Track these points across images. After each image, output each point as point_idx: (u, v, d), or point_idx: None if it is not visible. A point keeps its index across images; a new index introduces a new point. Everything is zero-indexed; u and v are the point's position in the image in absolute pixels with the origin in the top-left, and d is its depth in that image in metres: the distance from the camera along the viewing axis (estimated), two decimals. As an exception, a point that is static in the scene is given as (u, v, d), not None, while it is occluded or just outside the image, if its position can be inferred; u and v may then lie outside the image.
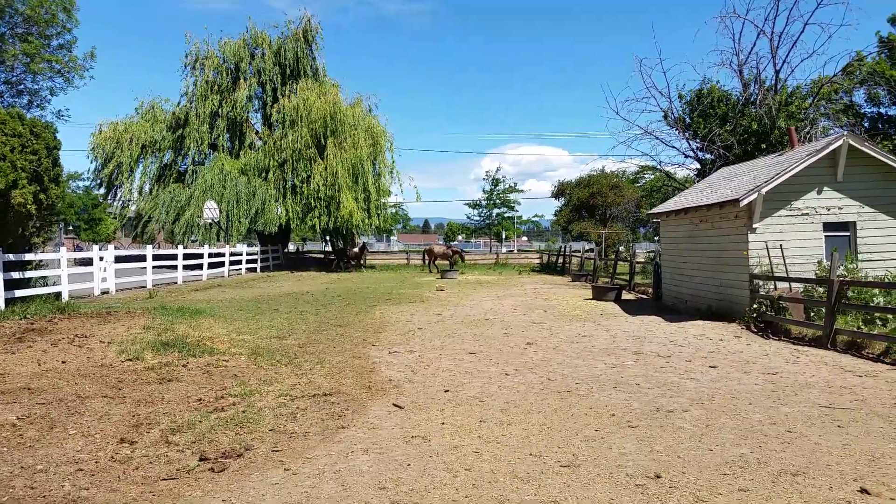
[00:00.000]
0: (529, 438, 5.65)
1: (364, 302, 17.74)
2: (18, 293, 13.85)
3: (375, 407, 6.74)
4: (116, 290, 19.54)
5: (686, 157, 27.74)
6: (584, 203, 43.91)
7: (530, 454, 5.22)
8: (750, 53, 24.86)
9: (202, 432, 5.71)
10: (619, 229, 43.15)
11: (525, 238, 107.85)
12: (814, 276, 12.30)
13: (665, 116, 26.89)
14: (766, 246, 12.93)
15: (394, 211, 55.20)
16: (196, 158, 35.81)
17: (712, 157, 25.20)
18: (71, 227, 74.77)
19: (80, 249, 51.41)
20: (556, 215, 55.21)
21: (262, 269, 33.83)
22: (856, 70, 26.07)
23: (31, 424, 5.90)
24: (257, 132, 37.99)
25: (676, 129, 26.82)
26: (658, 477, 4.70)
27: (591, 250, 31.83)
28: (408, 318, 14.36)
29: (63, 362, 8.53)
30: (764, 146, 22.87)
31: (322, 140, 33.64)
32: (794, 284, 12.32)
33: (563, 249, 38.89)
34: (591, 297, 19.31)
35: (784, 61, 23.82)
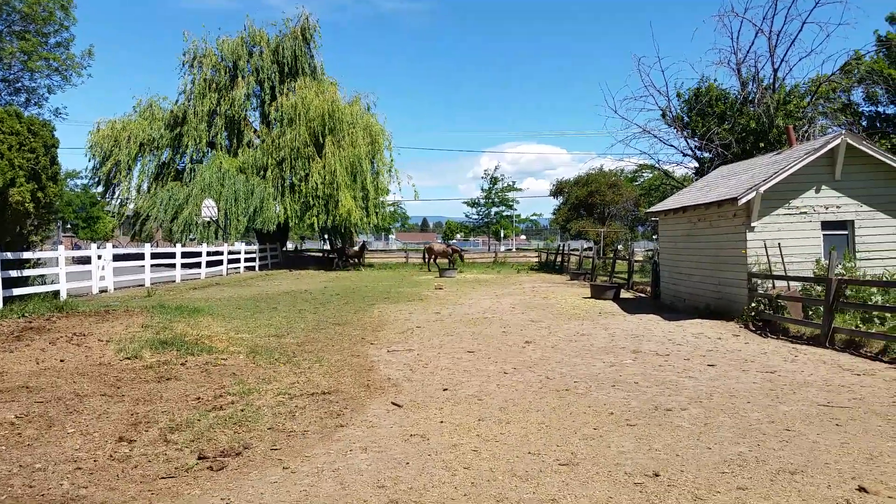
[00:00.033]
0: (528, 437, 5.65)
1: (363, 300, 17.73)
2: (17, 291, 13.83)
3: (374, 405, 6.74)
4: (115, 289, 19.52)
5: (684, 155, 27.79)
6: (583, 202, 43.92)
7: (529, 453, 5.23)
8: (748, 52, 24.90)
9: (201, 431, 5.71)
10: (617, 228, 43.18)
11: (523, 237, 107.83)
12: (812, 275, 12.32)
13: (663, 115, 26.92)
14: (765, 244, 12.95)
15: (392, 209, 55.13)
16: (194, 157, 35.75)
17: (710, 155, 25.22)
18: (69, 226, 74.64)
19: (79, 248, 51.31)
20: (554, 214, 55.19)
21: (261, 267, 33.80)
22: (854, 69, 26.10)
23: (29, 423, 5.89)
24: (255, 130, 37.95)
25: (675, 128, 26.84)
26: (657, 475, 4.70)
27: (590, 249, 31.86)
28: (406, 316, 14.36)
29: (61, 361, 8.52)
30: (762, 145, 22.89)
31: (320, 138, 33.61)
32: (792, 283, 12.34)
33: (561, 248, 38.92)
34: (589, 295, 19.32)
35: (782, 60, 23.87)
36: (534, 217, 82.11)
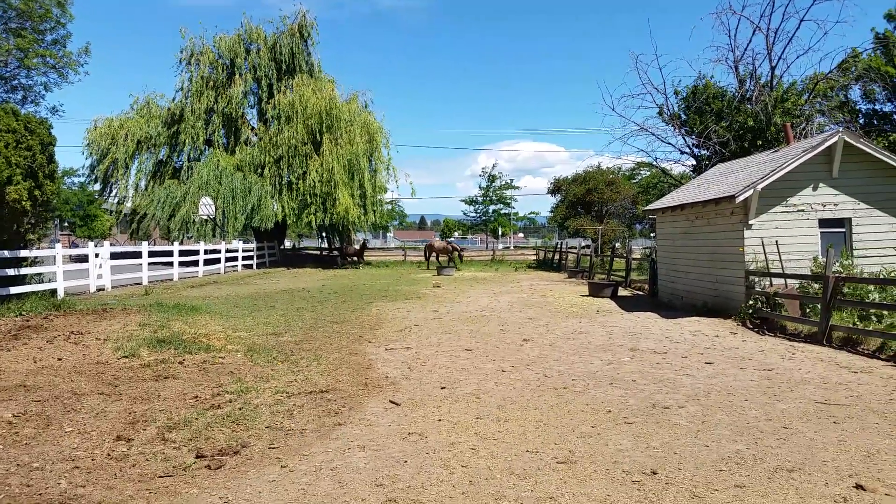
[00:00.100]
0: (526, 435, 5.65)
1: (360, 298, 17.73)
2: (14, 290, 13.79)
3: (372, 404, 6.74)
4: (112, 287, 19.48)
5: (682, 153, 27.80)
6: (581, 199, 43.99)
7: (527, 451, 5.23)
8: (746, 50, 24.90)
9: (198, 429, 5.71)
10: (615, 226, 43.23)
11: (521, 234, 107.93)
12: (809, 273, 12.34)
13: (660, 112, 26.92)
14: (762, 242, 12.97)
15: (390, 207, 55.09)
16: (191, 154, 35.65)
17: (708, 153, 25.24)
18: (66, 224, 74.51)
19: (76, 246, 51.21)
20: (552, 212, 55.28)
21: (259, 265, 33.75)
22: (851, 66, 26.10)
23: (27, 422, 5.88)
24: (253, 128, 37.89)
25: (672, 126, 26.86)
26: (654, 473, 4.71)
27: (588, 247, 31.85)
28: (404, 314, 14.36)
29: (59, 359, 8.51)
30: (760, 142, 22.91)
31: (318, 136, 33.55)
32: (789, 281, 12.36)
33: (559, 246, 38.95)
34: (587, 293, 19.34)
35: (780, 58, 23.88)
36: (531, 215, 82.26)
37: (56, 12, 35.59)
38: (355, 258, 38.11)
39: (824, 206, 13.41)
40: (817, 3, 22.89)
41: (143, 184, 35.66)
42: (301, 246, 55.02)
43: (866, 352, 9.37)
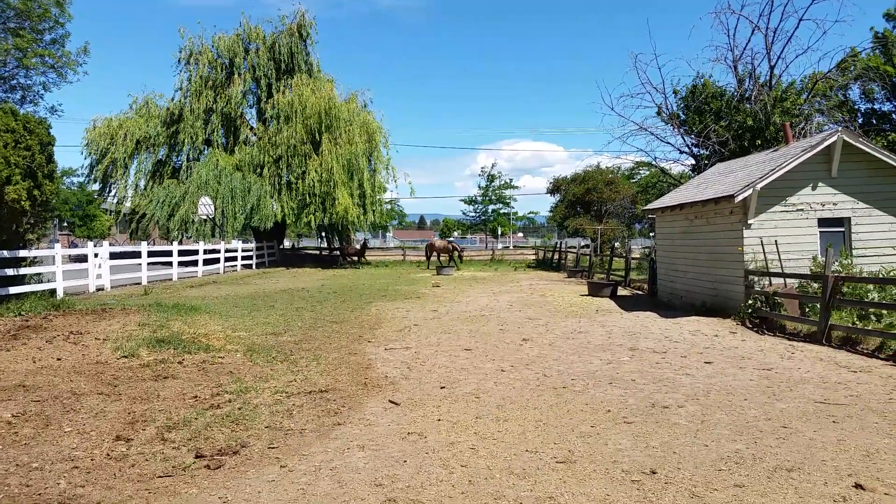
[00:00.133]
0: (525, 434, 5.66)
1: (360, 298, 17.73)
2: (13, 290, 13.78)
3: (371, 403, 6.74)
4: (111, 287, 19.47)
5: (681, 152, 27.79)
6: (580, 199, 43.98)
7: (526, 450, 5.23)
8: (745, 49, 24.90)
9: (198, 429, 5.70)
10: (614, 225, 43.24)
11: (521, 234, 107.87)
12: (808, 272, 12.35)
13: (659, 112, 26.93)
14: (761, 242, 12.97)
15: (389, 207, 55.07)
16: (190, 154, 35.63)
17: (707, 152, 25.24)
18: (65, 224, 74.46)
19: (75, 246, 51.21)
20: (551, 211, 55.25)
21: (258, 265, 33.73)
22: (850, 66, 26.12)
23: (26, 422, 5.87)
24: (252, 128, 37.86)
25: (671, 125, 26.86)
26: (654, 473, 4.71)
27: (587, 246, 31.86)
28: (404, 314, 14.36)
29: (58, 359, 8.50)
30: (759, 142, 22.91)
31: (317, 136, 33.52)
32: (788, 280, 12.36)
33: (558, 245, 38.96)
34: (586, 293, 19.35)
35: (779, 57, 23.88)
36: (531, 215, 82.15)
37: (55, 12, 35.55)
38: (356, 258, 38.13)
39: (823, 205, 13.41)
40: (816, 3, 22.94)
41: (142, 183, 35.63)
42: (300, 246, 54.96)
43: (865, 351, 9.38)
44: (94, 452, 5.15)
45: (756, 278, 12.81)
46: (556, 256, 37.15)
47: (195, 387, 7.25)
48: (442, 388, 7.44)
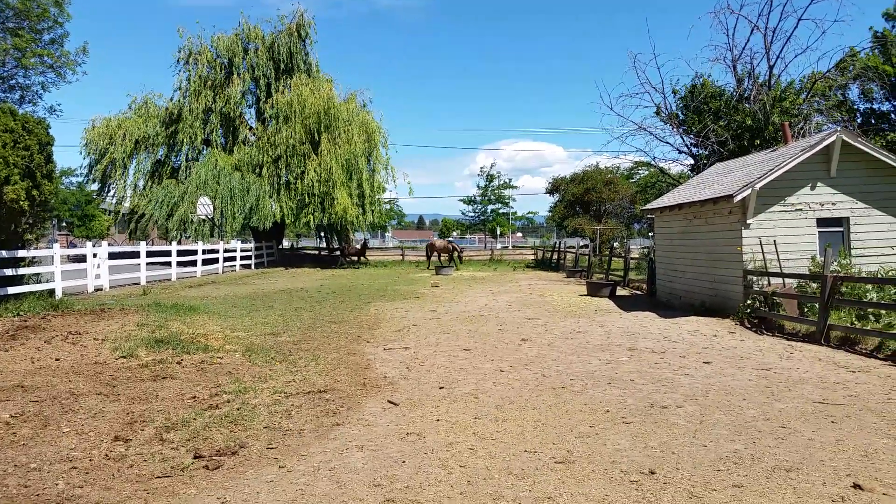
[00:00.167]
0: (524, 435, 5.66)
1: (359, 298, 17.73)
2: (11, 290, 13.77)
3: (370, 404, 6.74)
4: (110, 287, 19.46)
5: (680, 152, 27.81)
6: (579, 199, 43.98)
7: (525, 450, 5.23)
8: (744, 49, 24.94)
9: (196, 430, 5.70)
10: (613, 225, 43.25)
11: (520, 234, 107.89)
12: (807, 272, 12.36)
13: (658, 112, 26.94)
14: (760, 241, 12.98)
15: (388, 207, 55.05)
16: (189, 154, 35.60)
17: (706, 152, 25.25)
18: (64, 224, 74.38)
19: (74, 246, 51.21)
20: (550, 211, 55.27)
21: (257, 265, 33.71)
22: (849, 66, 26.16)
23: (24, 422, 5.87)
24: (251, 128, 37.83)
25: (670, 125, 26.88)
26: (652, 473, 4.71)
27: (586, 246, 31.87)
28: (402, 314, 14.36)
29: (57, 360, 8.49)
30: (758, 142, 22.92)
31: (316, 136, 33.51)
32: (787, 280, 12.37)
33: (557, 245, 38.97)
34: (585, 293, 19.35)
35: (778, 57, 23.91)
36: (530, 214, 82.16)
37: (53, 11, 35.54)
38: (357, 258, 38.15)
39: (822, 205, 13.42)
40: (815, 2, 23.12)
41: (141, 183, 35.59)
42: (299, 246, 54.95)
43: (864, 351, 9.39)
44: (92, 453, 5.15)
45: (755, 278, 12.82)
46: (555, 256, 37.16)
47: (194, 387, 7.25)
48: (441, 388, 7.43)
